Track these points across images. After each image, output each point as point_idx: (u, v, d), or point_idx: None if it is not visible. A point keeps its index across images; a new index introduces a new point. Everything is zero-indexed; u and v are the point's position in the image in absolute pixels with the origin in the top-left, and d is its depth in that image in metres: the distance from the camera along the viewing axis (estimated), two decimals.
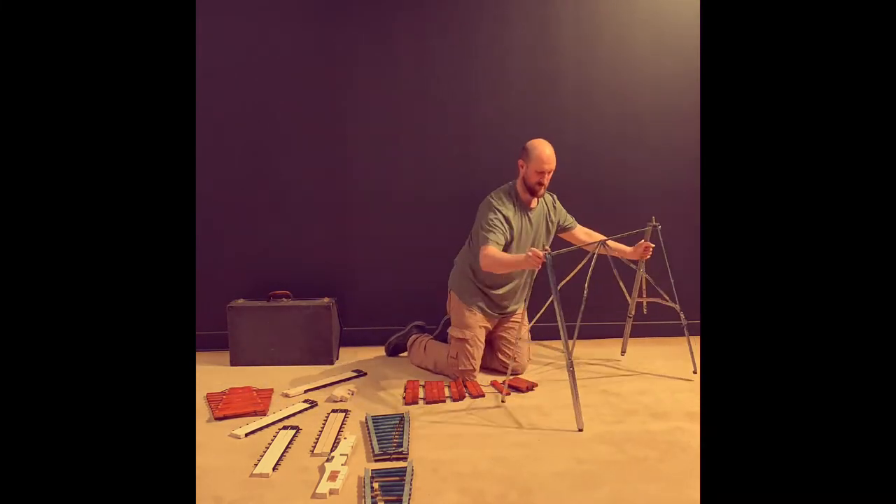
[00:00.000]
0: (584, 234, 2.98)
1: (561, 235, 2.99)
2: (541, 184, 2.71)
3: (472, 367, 2.80)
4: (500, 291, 2.85)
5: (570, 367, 2.28)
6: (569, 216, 2.98)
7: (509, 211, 2.72)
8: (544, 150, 2.68)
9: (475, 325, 2.83)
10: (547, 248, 2.43)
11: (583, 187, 3.37)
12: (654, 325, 3.45)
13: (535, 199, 2.81)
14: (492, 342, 2.97)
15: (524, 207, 2.78)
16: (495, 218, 2.68)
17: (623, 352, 3.11)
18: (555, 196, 2.96)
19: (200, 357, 3.22)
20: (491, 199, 2.75)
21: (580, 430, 2.19)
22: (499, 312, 2.90)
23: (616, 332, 3.37)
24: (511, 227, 2.71)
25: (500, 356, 2.92)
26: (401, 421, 2.30)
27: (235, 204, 3.34)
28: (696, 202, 3.35)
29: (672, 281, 2.85)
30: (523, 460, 2.00)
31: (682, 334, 2.87)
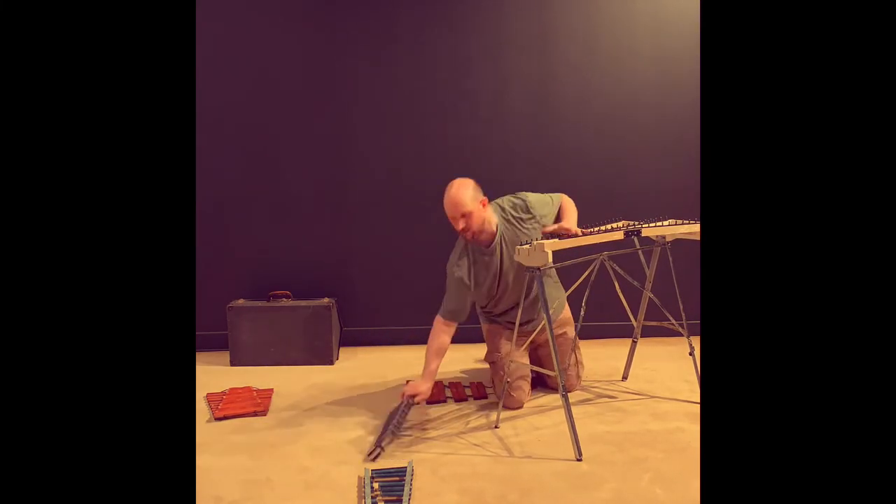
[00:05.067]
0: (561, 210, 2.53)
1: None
2: (465, 230, 2.30)
3: (510, 395, 2.43)
4: (501, 317, 2.61)
5: (564, 393, 2.07)
6: (549, 204, 2.50)
7: (463, 269, 2.37)
8: (445, 198, 2.31)
9: (504, 343, 2.55)
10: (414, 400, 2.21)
11: (581, 188, 3.36)
12: (654, 326, 3.45)
13: (483, 238, 2.37)
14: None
15: (481, 251, 2.40)
16: (449, 285, 2.40)
17: (625, 377, 2.80)
18: (522, 199, 2.47)
19: (200, 357, 3.22)
20: (448, 267, 2.42)
21: (579, 460, 1.99)
22: (523, 322, 2.45)
23: (619, 332, 3.37)
24: (475, 282, 2.39)
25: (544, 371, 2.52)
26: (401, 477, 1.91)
27: (235, 204, 3.34)
28: (696, 203, 3.35)
29: (680, 302, 2.52)
30: (523, 460, 2.00)
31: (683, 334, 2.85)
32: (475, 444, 2.13)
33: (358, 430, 2.27)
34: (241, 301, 3.21)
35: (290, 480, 1.90)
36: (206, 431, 2.28)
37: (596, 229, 2.31)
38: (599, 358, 3.09)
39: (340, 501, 1.78)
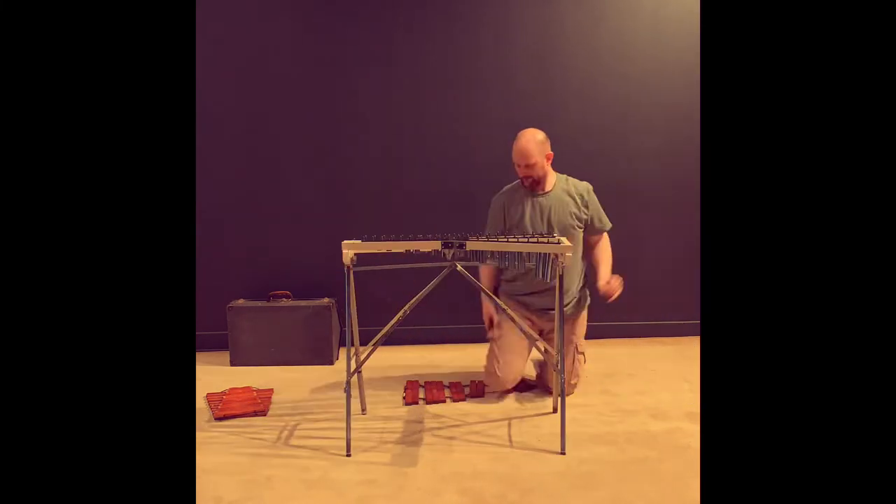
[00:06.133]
0: (598, 251, 2.65)
1: (589, 236, 2.66)
2: (526, 177, 2.51)
3: (495, 372, 2.45)
4: (526, 296, 2.61)
5: (561, 388, 2.13)
6: (602, 218, 2.65)
7: (502, 200, 2.61)
8: (515, 145, 2.49)
9: (509, 319, 2.42)
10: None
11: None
12: (654, 325, 3.45)
13: (540, 185, 2.54)
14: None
15: (531, 193, 2.55)
16: (489, 217, 2.65)
17: (555, 409, 2.42)
18: (589, 188, 2.63)
19: (200, 357, 3.22)
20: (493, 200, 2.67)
21: (562, 454, 2.03)
22: (538, 308, 2.58)
23: (619, 332, 3.36)
24: (507, 214, 2.58)
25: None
26: None
27: (236, 204, 3.34)
28: (696, 199, 3.35)
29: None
30: (523, 460, 2.00)
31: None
32: (475, 444, 2.13)
33: (358, 431, 2.27)
34: (241, 301, 3.21)
35: (290, 480, 1.90)
36: (206, 431, 2.28)
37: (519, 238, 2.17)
38: (599, 358, 3.09)
39: (340, 501, 1.78)
